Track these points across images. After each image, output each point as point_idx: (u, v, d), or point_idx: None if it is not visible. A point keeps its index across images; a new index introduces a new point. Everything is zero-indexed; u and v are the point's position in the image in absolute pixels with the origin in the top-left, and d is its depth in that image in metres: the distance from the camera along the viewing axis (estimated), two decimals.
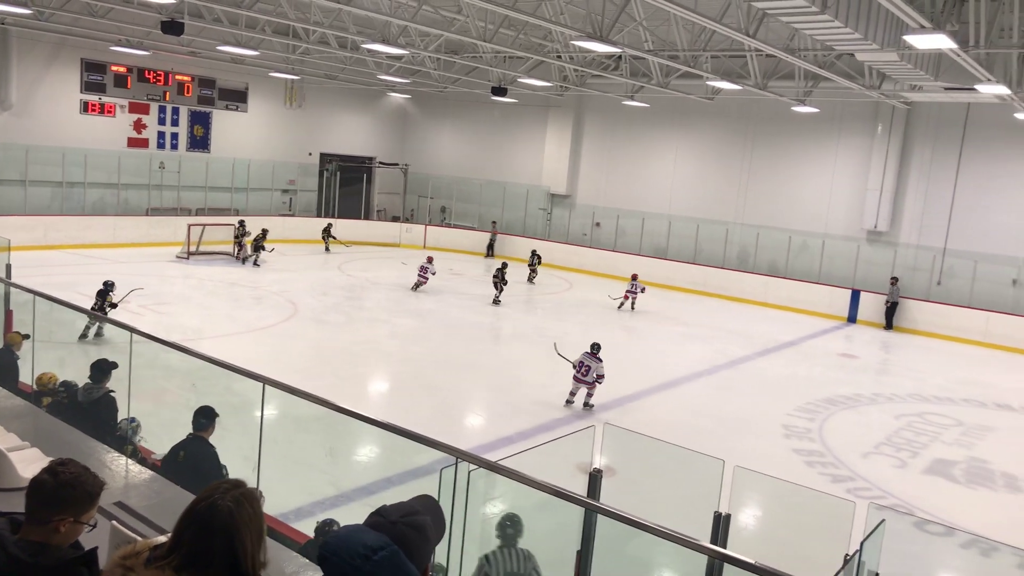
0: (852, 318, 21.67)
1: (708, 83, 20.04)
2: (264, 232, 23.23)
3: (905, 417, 13.01)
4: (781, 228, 23.73)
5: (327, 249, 26.20)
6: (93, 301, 13.26)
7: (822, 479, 9.96)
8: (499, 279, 19.73)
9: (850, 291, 21.93)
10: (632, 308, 20.36)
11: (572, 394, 12.11)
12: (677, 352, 16.65)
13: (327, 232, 26.62)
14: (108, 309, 13.22)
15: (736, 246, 24.68)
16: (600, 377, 11.92)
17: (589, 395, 12.04)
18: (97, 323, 11.94)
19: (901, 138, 21.82)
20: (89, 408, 6.95)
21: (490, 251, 28.73)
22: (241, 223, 23.38)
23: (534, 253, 24.17)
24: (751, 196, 24.69)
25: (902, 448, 11.51)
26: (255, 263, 22.65)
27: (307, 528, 6.40)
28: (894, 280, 21.12)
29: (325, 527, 5.74)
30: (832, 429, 12.08)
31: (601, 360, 12.03)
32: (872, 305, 21.50)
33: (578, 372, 12.03)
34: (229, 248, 23.34)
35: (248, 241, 22.96)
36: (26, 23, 20.58)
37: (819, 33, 11.47)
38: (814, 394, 13.86)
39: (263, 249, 22.85)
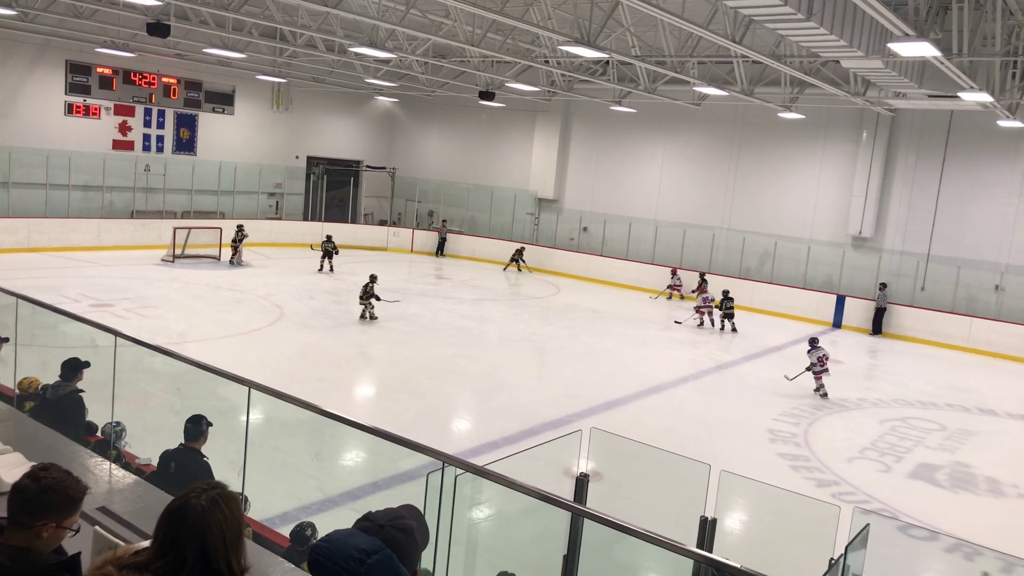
0: (837, 323, 21.82)
1: (695, 89, 20.16)
2: (240, 227, 23.13)
3: (889, 422, 13.10)
4: (767, 233, 23.87)
5: (331, 268, 23.46)
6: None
7: (807, 483, 10.01)
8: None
9: (835, 296, 22.08)
10: (682, 298, 22.28)
11: (819, 385, 14.05)
12: (663, 356, 16.70)
13: (330, 246, 23.79)
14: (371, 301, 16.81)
15: (722, 251, 24.80)
16: (826, 359, 14.00)
17: (821, 385, 14.01)
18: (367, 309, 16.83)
19: (885, 145, 22.01)
20: (56, 405, 6.89)
21: (440, 251, 28.83)
22: (240, 227, 23.24)
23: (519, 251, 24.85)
24: (737, 201, 24.83)
25: (886, 453, 11.59)
26: (238, 263, 22.64)
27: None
28: (882, 286, 21.27)
29: (302, 531, 5.70)
30: (817, 434, 12.15)
31: (818, 348, 14.15)
32: (857, 310, 21.66)
33: (817, 365, 13.97)
34: (215, 251, 23.22)
35: (226, 245, 22.95)
36: (10, 24, 20.41)
37: (805, 40, 11.56)
38: (800, 399, 13.93)
39: (239, 243, 22.84)
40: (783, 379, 14.60)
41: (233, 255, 22.90)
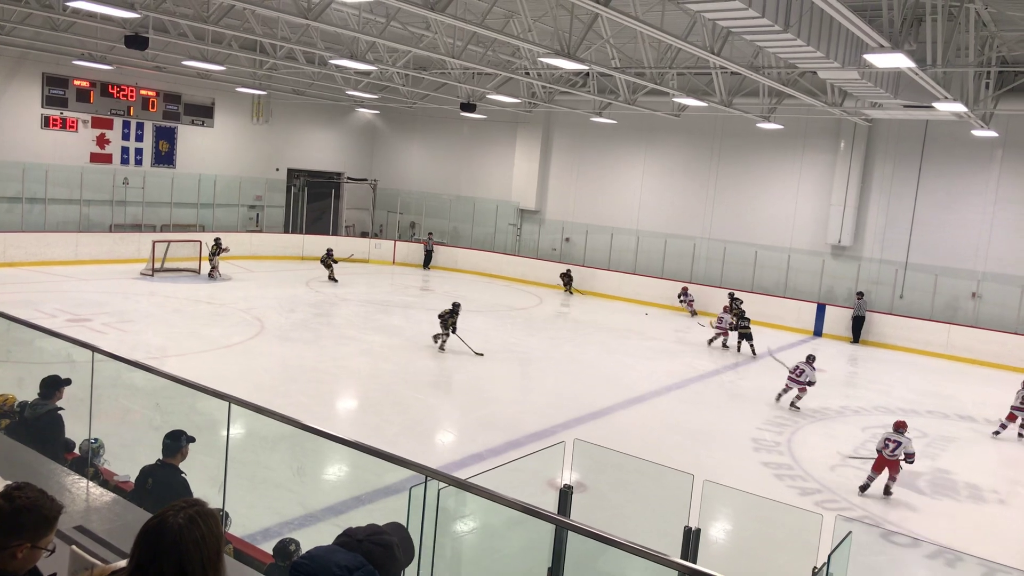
0: (818, 332, 21.98)
1: (674, 100, 20.30)
2: (217, 240, 22.96)
3: (871, 429, 13.18)
4: (747, 243, 24.05)
5: (332, 278, 23.65)
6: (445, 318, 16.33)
7: (790, 492, 10.05)
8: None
9: (816, 305, 22.25)
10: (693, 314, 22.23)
11: (785, 390, 13.94)
12: (646, 366, 16.74)
13: (329, 258, 23.89)
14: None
15: (703, 261, 24.94)
16: (811, 383, 13.72)
17: (798, 397, 13.77)
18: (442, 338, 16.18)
19: (863, 154, 22.28)
20: (33, 423, 6.77)
21: (427, 264, 28.76)
22: (217, 240, 23.05)
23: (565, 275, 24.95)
24: (718, 211, 25.01)
25: (869, 460, 11.64)
26: (217, 276, 22.51)
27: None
28: (860, 294, 21.47)
29: (285, 547, 5.64)
30: (800, 442, 12.20)
31: (815, 369, 13.89)
32: (837, 319, 21.84)
33: (792, 373, 13.79)
34: (194, 265, 23.03)
35: (205, 259, 22.80)
36: None
37: (782, 51, 11.70)
38: (782, 407, 13.99)
39: (218, 255, 22.68)
40: (766, 389, 14.67)
41: (212, 269, 22.73)
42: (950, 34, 12.45)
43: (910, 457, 10.17)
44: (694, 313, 22.86)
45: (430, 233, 29.69)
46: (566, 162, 28.51)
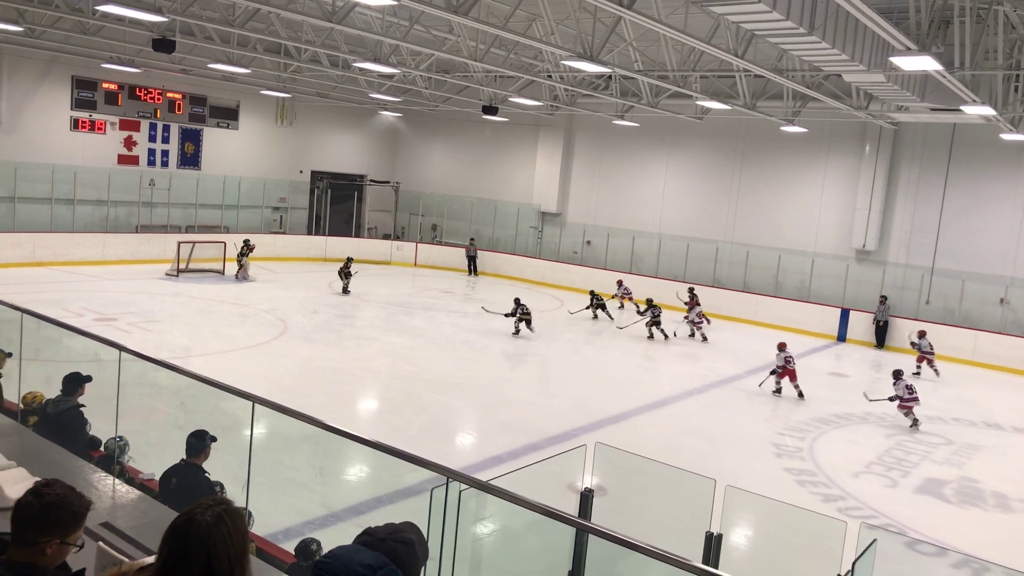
0: (842, 337, 21.75)
1: (697, 103, 20.22)
2: (246, 241, 23.22)
3: (895, 436, 13.03)
4: (770, 247, 23.86)
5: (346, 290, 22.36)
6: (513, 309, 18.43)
7: (813, 498, 9.95)
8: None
9: (839, 310, 22.03)
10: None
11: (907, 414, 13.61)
12: (667, 371, 16.66)
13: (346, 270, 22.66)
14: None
15: (726, 264, 24.78)
16: (893, 398, 13.59)
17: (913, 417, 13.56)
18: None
19: (888, 158, 22.03)
20: (57, 419, 6.88)
21: (472, 269, 28.65)
22: (246, 241, 23.30)
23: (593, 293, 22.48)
24: (740, 215, 24.84)
25: (893, 467, 11.52)
26: (243, 277, 22.73)
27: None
28: (883, 299, 21.23)
29: (307, 547, 5.67)
30: (823, 448, 12.08)
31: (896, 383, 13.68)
32: (862, 324, 21.60)
33: (908, 393, 13.49)
34: (219, 266, 23.27)
35: (231, 259, 23.04)
36: (17, 40, 20.57)
37: (807, 54, 11.60)
38: (804, 413, 13.87)
39: (245, 263, 22.93)
40: (788, 394, 14.54)
41: (239, 269, 22.98)
42: (978, 36, 12.28)
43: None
44: (622, 306, 23.01)
45: (471, 239, 29.56)
46: (588, 165, 28.47)
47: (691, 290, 21.24)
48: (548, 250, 28.90)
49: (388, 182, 32.60)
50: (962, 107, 15.08)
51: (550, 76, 20.40)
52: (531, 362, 16.82)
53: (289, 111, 29.51)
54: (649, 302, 19.88)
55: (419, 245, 29.97)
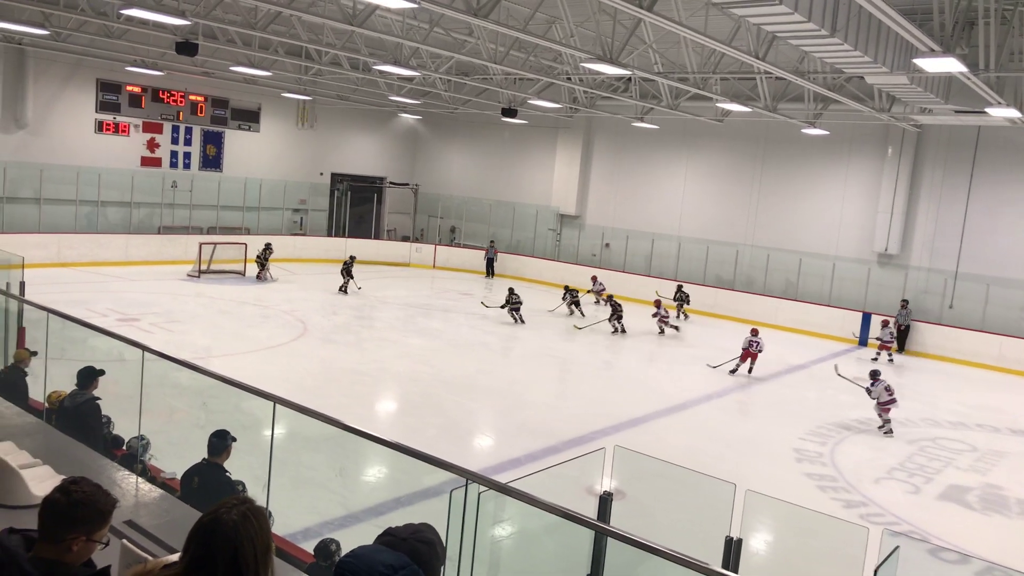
0: (863, 341, 21.54)
1: (718, 105, 20.13)
2: (268, 245, 23.44)
3: (918, 442, 12.89)
4: (791, 250, 23.69)
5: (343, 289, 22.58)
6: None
7: (834, 504, 9.86)
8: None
9: (861, 314, 21.81)
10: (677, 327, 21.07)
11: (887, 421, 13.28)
12: (687, 374, 16.57)
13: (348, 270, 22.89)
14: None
15: (746, 267, 24.64)
16: (869, 391, 13.39)
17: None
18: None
19: (911, 160, 21.80)
20: (74, 412, 6.97)
21: (490, 271, 28.65)
22: (268, 245, 23.53)
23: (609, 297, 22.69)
24: (761, 218, 24.69)
25: (915, 474, 11.40)
26: (265, 278, 22.94)
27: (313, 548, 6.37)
28: (904, 303, 21.00)
29: (327, 547, 5.70)
30: (844, 453, 11.97)
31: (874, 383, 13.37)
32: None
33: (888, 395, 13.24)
34: (240, 267, 23.46)
35: (251, 261, 23.26)
36: (43, 43, 20.87)
37: (829, 56, 11.52)
38: (825, 418, 13.75)
39: (266, 265, 23.14)
40: (808, 399, 14.42)
41: (261, 271, 23.19)
42: (1003, 38, 12.14)
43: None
44: (598, 302, 23.19)
45: (491, 241, 29.60)
46: (607, 167, 28.41)
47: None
48: (567, 253, 28.87)
49: (407, 184, 32.72)
50: (987, 109, 14.90)
51: (569, 78, 20.38)
52: (549, 364, 16.81)
53: (310, 114, 29.71)
54: (610, 298, 20.92)
55: (438, 247, 30.04)
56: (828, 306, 22.51)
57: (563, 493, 4.85)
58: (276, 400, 5.19)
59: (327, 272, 25.57)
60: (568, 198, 29.03)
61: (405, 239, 31.79)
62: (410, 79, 23.17)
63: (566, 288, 22.45)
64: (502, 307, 20.24)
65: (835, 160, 23.22)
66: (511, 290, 20.31)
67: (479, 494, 4.36)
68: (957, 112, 16.99)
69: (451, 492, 4.29)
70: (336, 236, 29.68)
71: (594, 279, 24.02)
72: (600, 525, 4.37)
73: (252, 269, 23.40)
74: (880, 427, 13.27)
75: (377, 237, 31.28)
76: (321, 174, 30.54)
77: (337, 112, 30.17)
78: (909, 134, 21.48)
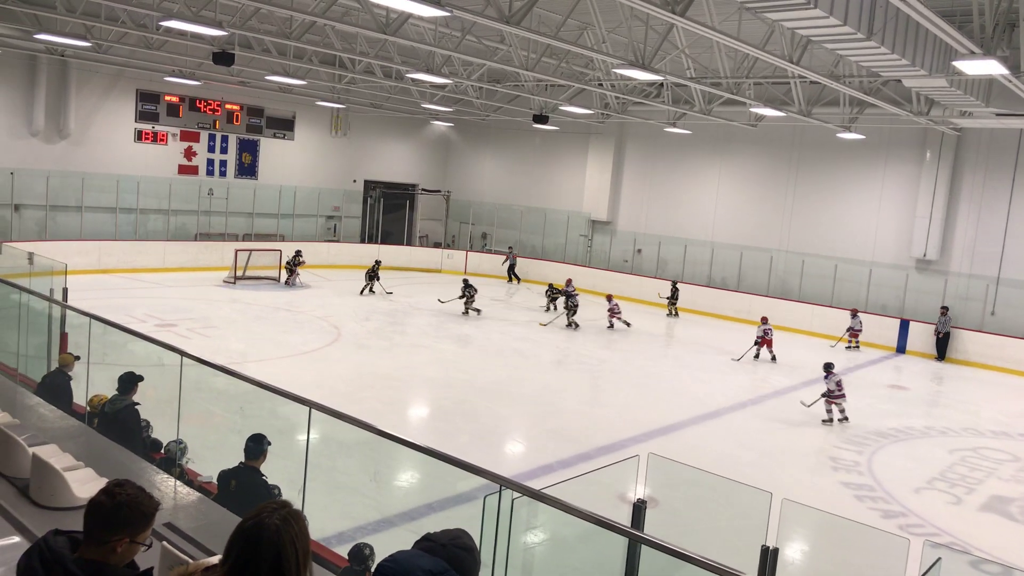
0: (901, 348, 21.15)
1: (751, 110, 19.95)
2: (298, 252, 23.73)
3: (959, 452, 12.61)
4: (827, 256, 23.36)
5: (371, 291, 23.32)
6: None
7: (872, 514, 9.68)
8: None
9: (899, 321, 21.44)
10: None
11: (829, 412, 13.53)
12: (720, 381, 16.41)
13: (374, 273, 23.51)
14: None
15: (781, 273, 24.35)
16: (825, 394, 13.61)
17: (842, 410, 13.55)
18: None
19: (951, 165, 21.39)
20: (114, 417, 7.11)
21: (512, 277, 28.59)
22: (298, 252, 23.86)
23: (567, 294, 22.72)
24: (796, 223, 24.39)
25: (956, 484, 11.15)
26: (293, 284, 23.21)
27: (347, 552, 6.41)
28: (944, 310, 20.59)
29: (361, 551, 5.73)
30: (882, 463, 11.75)
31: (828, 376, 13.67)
32: (922, 335, 20.97)
33: (837, 390, 13.51)
34: (275, 273, 23.77)
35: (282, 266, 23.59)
36: (85, 55, 21.38)
37: (865, 60, 11.36)
38: (862, 426, 13.52)
39: (296, 271, 23.39)
40: (848, 402, 14.21)
41: (289, 276, 23.48)
42: None
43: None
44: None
45: (510, 247, 29.62)
46: (639, 173, 28.30)
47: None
48: (598, 259, 28.78)
49: (439, 191, 32.90)
50: None
51: (601, 84, 20.37)
52: (581, 371, 16.76)
53: (343, 122, 30.04)
54: (551, 288, 21.78)
55: (469, 253, 30.13)
56: (865, 312, 22.13)
57: (595, 500, 4.84)
58: (311, 405, 5.24)
59: (360, 278, 25.76)
60: (600, 204, 28.96)
61: (437, 245, 31.94)
62: (442, 86, 23.32)
63: (549, 286, 23.31)
64: (460, 297, 21.05)
65: (871, 164, 22.88)
66: (466, 282, 21.28)
67: (513, 500, 4.36)
68: (998, 115, 16.65)
69: (484, 498, 4.30)
70: (369, 243, 29.92)
71: (568, 281, 23.91)
72: (635, 533, 4.34)
73: (285, 275, 23.67)
74: (834, 419, 13.50)
75: (409, 243, 31.48)
76: (354, 181, 30.84)
77: (370, 120, 30.46)
78: (948, 137, 21.09)
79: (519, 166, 31.74)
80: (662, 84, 20.41)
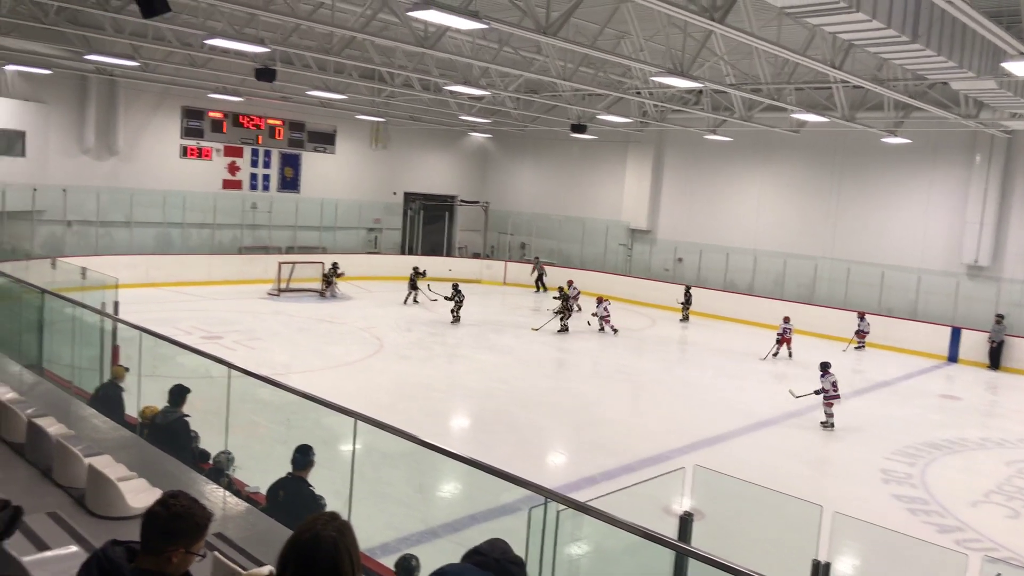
0: (953, 357, 20.60)
1: (793, 115, 19.69)
2: (335, 265, 24.01)
3: (1017, 464, 12.22)
4: (873, 263, 22.89)
5: (415, 300, 23.81)
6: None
7: (927, 528, 9.42)
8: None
9: (950, 329, 20.89)
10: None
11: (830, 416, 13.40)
12: (763, 391, 16.16)
13: (416, 280, 23.89)
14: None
15: (825, 281, 23.92)
16: (820, 391, 13.48)
17: (830, 414, 13.44)
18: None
19: (1002, 168, 20.84)
20: (165, 429, 7.25)
21: (540, 286, 28.50)
22: (335, 264, 24.17)
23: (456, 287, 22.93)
24: (840, 230, 23.96)
25: (1014, 497, 10.80)
26: (331, 295, 23.45)
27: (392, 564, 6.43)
28: (999, 318, 20.02)
29: (407, 563, 5.74)
30: (936, 475, 11.44)
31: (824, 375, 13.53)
32: (975, 344, 20.40)
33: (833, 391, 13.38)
34: (317, 285, 24.08)
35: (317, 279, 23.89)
36: (133, 74, 21.96)
37: (910, 63, 11.14)
38: (914, 437, 13.19)
39: (333, 282, 23.66)
40: (894, 417, 13.89)
41: (325, 288, 23.71)
42: None
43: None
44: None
45: (536, 256, 29.63)
46: (679, 180, 28.09)
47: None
48: (638, 267, 28.60)
49: (478, 202, 33.05)
50: None
51: (639, 92, 20.28)
52: (622, 381, 16.64)
53: (383, 135, 30.39)
54: (455, 286, 21.33)
55: (508, 264, 30.18)
56: (914, 320, 21.65)
57: (640, 512, 4.78)
58: (357, 416, 5.28)
59: (401, 290, 25.96)
60: (639, 212, 28.81)
61: (476, 256, 32.07)
62: (480, 98, 23.45)
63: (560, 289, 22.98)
64: (447, 298, 21.03)
65: (918, 169, 22.39)
66: (456, 286, 21.08)
67: (558, 513, 4.33)
68: None
69: (530, 510, 4.28)
70: (409, 254, 30.16)
71: (570, 283, 23.62)
72: (683, 546, 4.28)
73: (322, 286, 23.95)
74: (823, 423, 13.37)
75: (448, 254, 31.67)
76: (394, 193, 31.15)
77: (409, 132, 30.76)
78: (998, 140, 20.55)
79: (557, 176, 31.75)
80: (701, 91, 20.25)
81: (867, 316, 21.30)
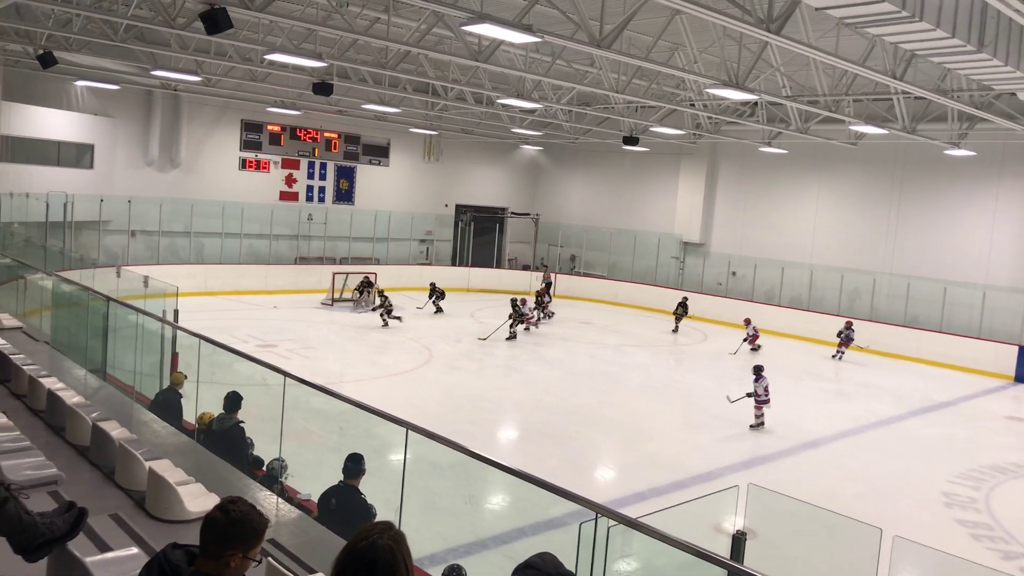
0: (1020, 377, 19.83)
1: (851, 127, 19.29)
2: (365, 279, 24.03)
3: None
4: (934, 279, 22.21)
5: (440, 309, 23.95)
6: None
7: (992, 555, 9.06)
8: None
9: (1016, 347, 20.13)
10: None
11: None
12: (821, 409, 15.78)
13: (436, 294, 23.87)
14: None
15: (884, 297, 23.30)
16: (751, 394, 13.60)
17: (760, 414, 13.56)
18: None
19: None
20: (221, 436, 7.41)
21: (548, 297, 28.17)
22: (365, 279, 24.21)
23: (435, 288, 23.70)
24: (900, 245, 23.33)
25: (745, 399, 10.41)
26: (364, 306, 23.50)
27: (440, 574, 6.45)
28: None
29: (453, 573, 5.74)
30: (1001, 499, 11.01)
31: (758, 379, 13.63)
32: None
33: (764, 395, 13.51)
34: (370, 296, 24.36)
35: (349, 290, 24.12)
36: (195, 89, 22.66)
37: (975, 73, 10.82)
38: (977, 460, 12.72)
39: (367, 293, 23.70)
40: (957, 438, 13.42)
41: (358, 299, 23.72)
42: None
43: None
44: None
45: (545, 265, 29.48)
46: (732, 193, 27.73)
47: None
48: (691, 281, 28.27)
49: (528, 214, 33.13)
50: None
51: (692, 104, 20.11)
52: (673, 395, 16.44)
53: (436, 147, 30.73)
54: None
55: (558, 276, 30.14)
56: (978, 339, 20.91)
57: (691, 530, 4.71)
58: (408, 426, 5.32)
59: (451, 300, 26.11)
60: (692, 225, 28.51)
61: (526, 268, 32.11)
62: (532, 111, 23.54)
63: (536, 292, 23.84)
64: (374, 308, 21.13)
65: (983, 182, 21.69)
66: (381, 293, 21.36)
67: (608, 528, 4.29)
68: None
69: (580, 525, 4.25)
70: (460, 265, 30.36)
71: (547, 283, 23.80)
72: (736, 565, 4.20)
73: (369, 299, 24.13)
74: (752, 425, 13.48)
75: (498, 266, 31.78)
76: (446, 205, 31.45)
77: (462, 145, 31.05)
78: None
79: (608, 188, 31.64)
80: (756, 103, 20.00)
81: (854, 324, 21.22)
